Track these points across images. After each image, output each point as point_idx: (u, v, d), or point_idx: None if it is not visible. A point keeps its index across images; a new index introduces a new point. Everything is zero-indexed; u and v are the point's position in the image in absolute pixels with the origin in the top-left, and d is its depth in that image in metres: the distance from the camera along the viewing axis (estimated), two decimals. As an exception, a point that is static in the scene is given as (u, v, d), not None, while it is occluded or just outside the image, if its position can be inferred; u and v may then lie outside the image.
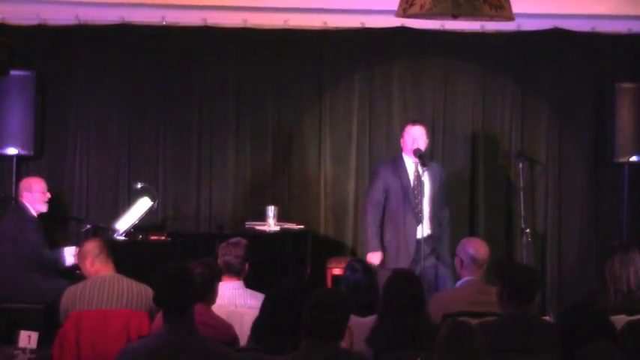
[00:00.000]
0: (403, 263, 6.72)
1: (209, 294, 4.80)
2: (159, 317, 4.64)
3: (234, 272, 5.33)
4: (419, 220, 6.78)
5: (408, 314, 4.37)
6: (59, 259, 6.95)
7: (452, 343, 3.56)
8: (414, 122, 7.08)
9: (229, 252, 5.37)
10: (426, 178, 6.77)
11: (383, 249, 6.91)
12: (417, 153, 6.80)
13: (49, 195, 7.17)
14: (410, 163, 6.96)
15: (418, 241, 6.74)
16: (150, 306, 5.02)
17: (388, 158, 7.34)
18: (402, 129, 7.10)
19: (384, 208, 6.95)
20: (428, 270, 6.71)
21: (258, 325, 4.32)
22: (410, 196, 6.89)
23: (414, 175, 6.92)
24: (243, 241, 5.47)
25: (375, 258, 6.85)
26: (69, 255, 6.98)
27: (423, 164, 6.69)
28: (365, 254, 6.95)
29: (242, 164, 8.07)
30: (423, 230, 6.71)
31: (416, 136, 6.91)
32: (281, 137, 8.09)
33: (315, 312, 3.84)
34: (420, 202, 6.75)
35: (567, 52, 8.18)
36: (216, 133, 8.05)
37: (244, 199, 8.07)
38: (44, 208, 7.13)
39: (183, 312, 3.92)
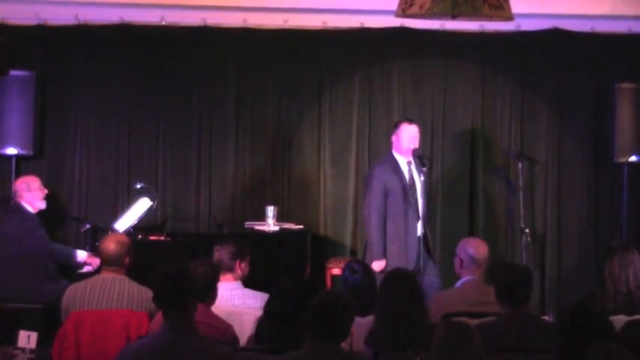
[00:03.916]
0: (407, 262, 6.70)
1: (210, 294, 4.81)
2: (157, 318, 4.64)
3: (227, 269, 5.34)
4: (418, 218, 6.79)
5: (405, 313, 4.37)
6: (72, 254, 6.99)
7: (449, 343, 3.57)
8: (410, 121, 7.06)
9: (221, 249, 5.41)
10: (417, 177, 6.78)
11: (385, 252, 6.87)
12: (417, 154, 6.80)
13: (46, 191, 7.15)
14: (403, 162, 6.95)
15: (419, 238, 6.74)
16: (150, 308, 5.01)
17: (380, 160, 7.27)
18: (396, 127, 7.07)
19: (386, 209, 6.94)
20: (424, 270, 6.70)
21: (262, 325, 4.33)
22: (408, 194, 6.89)
23: (409, 174, 6.93)
24: (228, 243, 5.52)
25: (377, 266, 6.76)
26: (81, 255, 7.04)
27: (423, 164, 6.67)
28: (370, 260, 6.80)
29: (242, 164, 8.07)
30: (421, 228, 6.70)
31: (414, 136, 6.90)
32: (281, 137, 8.09)
33: (320, 312, 3.85)
34: (417, 200, 6.75)
35: (567, 52, 8.17)
36: (215, 133, 8.05)
37: (244, 199, 8.06)
38: (43, 205, 7.11)
39: (183, 312, 3.92)
